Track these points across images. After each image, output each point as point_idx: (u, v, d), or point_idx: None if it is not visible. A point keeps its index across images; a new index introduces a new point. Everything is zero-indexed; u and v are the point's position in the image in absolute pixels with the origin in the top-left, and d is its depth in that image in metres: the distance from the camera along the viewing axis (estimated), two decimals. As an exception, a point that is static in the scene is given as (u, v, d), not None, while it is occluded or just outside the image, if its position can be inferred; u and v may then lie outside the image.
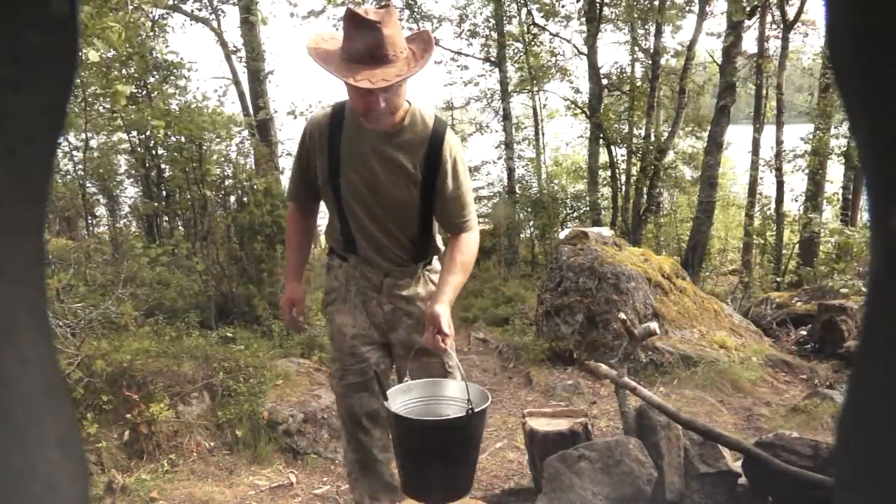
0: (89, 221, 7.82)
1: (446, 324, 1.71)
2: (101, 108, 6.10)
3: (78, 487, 0.30)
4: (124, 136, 6.76)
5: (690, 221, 9.55)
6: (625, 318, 2.76)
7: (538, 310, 5.47)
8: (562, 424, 2.70)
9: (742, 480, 2.37)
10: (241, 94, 9.09)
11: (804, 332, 5.63)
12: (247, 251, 5.16)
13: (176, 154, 5.20)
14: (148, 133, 5.62)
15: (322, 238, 2.23)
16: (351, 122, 1.75)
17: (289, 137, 8.70)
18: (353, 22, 1.56)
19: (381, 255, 1.92)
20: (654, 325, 2.74)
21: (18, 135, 0.27)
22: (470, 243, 1.86)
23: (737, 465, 2.40)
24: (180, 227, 6.41)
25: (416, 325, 1.98)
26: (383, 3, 1.59)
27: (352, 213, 1.85)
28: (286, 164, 9.38)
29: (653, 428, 2.49)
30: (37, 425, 0.28)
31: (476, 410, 1.58)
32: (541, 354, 4.91)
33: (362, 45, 1.55)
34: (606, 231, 5.78)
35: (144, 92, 6.29)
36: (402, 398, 1.75)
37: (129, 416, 3.04)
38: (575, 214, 10.48)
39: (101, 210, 8.43)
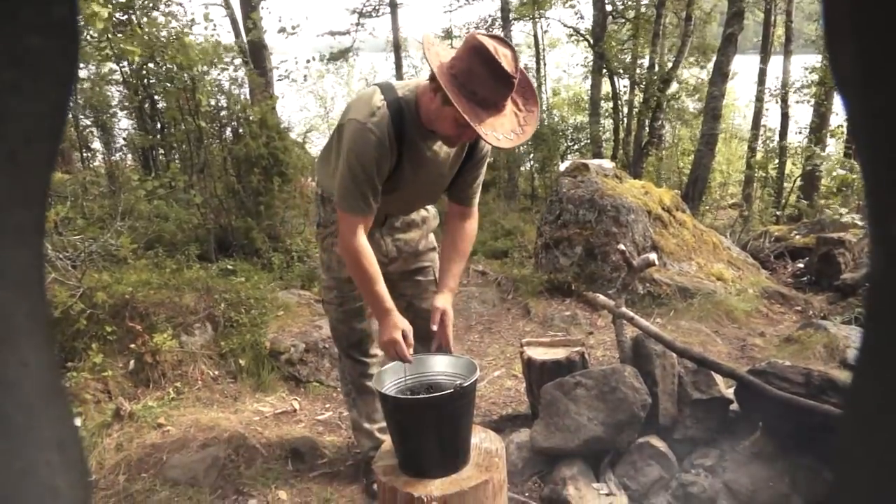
0: (84, 155, 7.67)
1: (451, 316, 1.85)
2: (88, 35, 5.85)
3: (78, 491, 0.30)
4: (115, 66, 6.52)
5: (692, 154, 9.41)
6: (624, 249, 2.73)
7: (537, 242, 5.46)
8: (559, 353, 2.71)
9: (734, 407, 2.40)
10: (234, 21, 8.73)
11: (801, 265, 5.63)
12: (244, 184, 5.10)
13: (167, 84, 5.03)
14: (135, 63, 5.41)
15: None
16: (412, 127, 1.74)
17: (282, 59, 8.43)
18: (489, 68, 1.51)
19: (395, 212, 2.05)
20: (652, 256, 2.72)
21: (19, 138, 0.27)
22: (473, 232, 2.00)
23: (729, 392, 2.43)
24: (177, 160, 6.31)
25: (416, 254, 2.15)
26: (507, 41, 1.55)
27: (389, 200, 1.89)
28: (282, 90, 9.11)
29: (648, 357, 2.50)
30: (36, 429, 0.29)
31: (465, 385, 1.57)
32: (539, 286, 4.94)
33: (491, 95, 1.53)
34: (607, 163, 5.69)
35: (130, 17, 6.00)
36: (393, 378, 1.75)
37: (133, 346, 3.06)
38: (576, 147, 10.30)
39: (95, 143, 8.25)
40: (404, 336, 1.74)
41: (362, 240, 1.76)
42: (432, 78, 1.60)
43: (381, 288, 1.78)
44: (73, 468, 0.30)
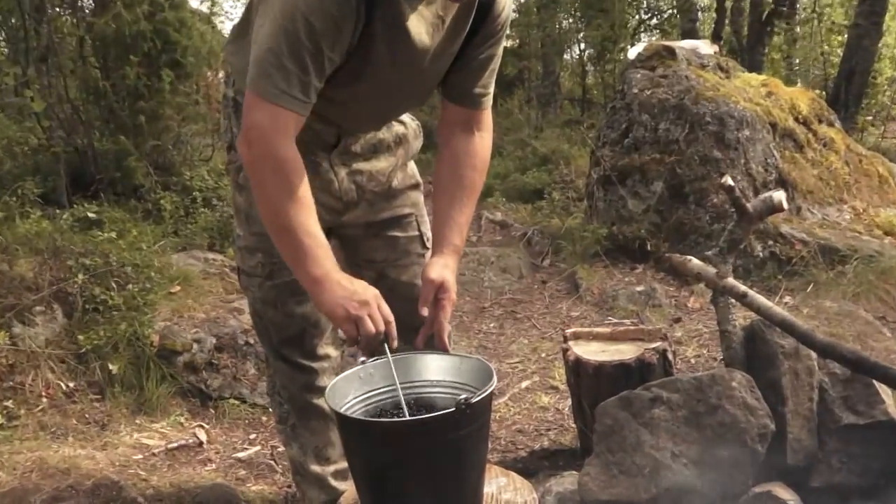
0: None
1: (453, 293, 1.89)
2: None
3: None
4: None
5: (845, 33, 9.31)
6: (732, 185, 2.70)
7: (591, 176, 5.45)
8: (626, 352, 2.72)
9: (909, 436, 2.42)
10: None
11: None
12: (114, 81, 5.04)
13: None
14: None
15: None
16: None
17: None
18: None
19: (355, 127, 2.04)
20: (779, 197, 2.70)
21: None
22: (486, 154, 2.03)
23: (901, 413, 2.45)
24: (2, 44, 6.26)
25: (388, 195, 2.19)
26: None
27: (346, 102, 1.87)
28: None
29: (771, 357, 2.51)
30: None
31: (473, 400, 1.54)
32: (594, 245, 4.96)
33: None
34: (705, 47, 5.66)
35: None
36: (359, 389, 1.74)
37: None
38: (654, 21, 10.22)
39: None
40: (378, 305, 1.72)
41: (285, 149, 1.70)
42: None
43: (315, 239, 1.74)
44: None
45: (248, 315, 3.49)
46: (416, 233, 2.23)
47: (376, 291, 1.75)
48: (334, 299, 1.71)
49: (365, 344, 1.72)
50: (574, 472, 2.56)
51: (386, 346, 1.73)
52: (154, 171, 4.95)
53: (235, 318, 3.70)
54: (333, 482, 2.35)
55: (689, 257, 3.01)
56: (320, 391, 2.23)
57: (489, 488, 1.75)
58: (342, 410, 1.64)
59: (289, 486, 2.80)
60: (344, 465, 2.26)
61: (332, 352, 2.28)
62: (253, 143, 1.70)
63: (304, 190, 1.72)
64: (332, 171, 2.05)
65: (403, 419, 1.66)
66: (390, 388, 1.75)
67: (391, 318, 1.74)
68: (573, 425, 3.05)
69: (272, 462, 3.04)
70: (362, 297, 1.70)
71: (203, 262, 4.28)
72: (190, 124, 5.28)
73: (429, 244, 2.22)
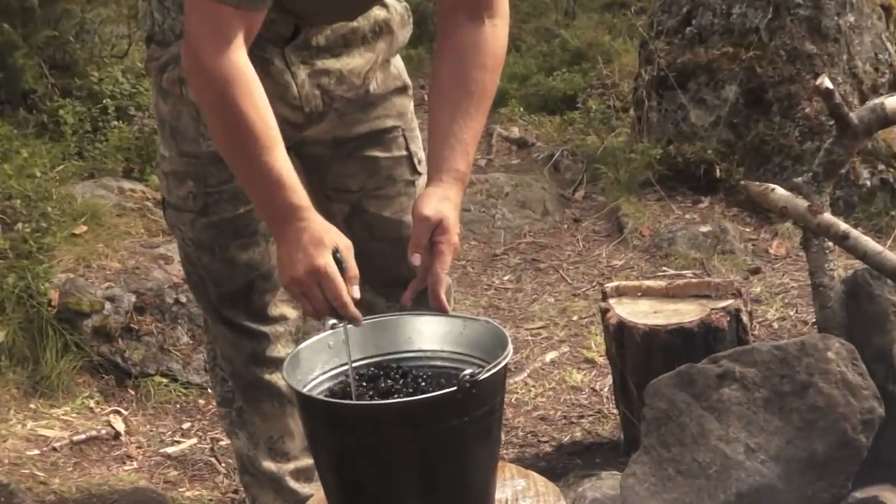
0: None
1: (455, 235, 1.90)
2: None
3: None
4: None
5: None
6: (831, 88, 2.67)
7: (641, 78, 5.42)
8: (686, 313, 2.75)
9: None
10: None
11: None
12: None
13: None
14: None
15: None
16: None
17: None
18: None
19: (318, 14, 2.06)
20: (892, 105, 2.68)
21: None
22: (499, 50, 2.04)
23: None
24: None
25: (364, 104, 2.22)
26: None
27: None
28: None
29: (880, 318, 2.52)
30: None
31: (481, 377, 1.53)
32: (644, 171, 4.95)
33: None
34: None
35: None
36: (326, 362, 1.77)
37: None
38: None
39: None
40: (338, 262, 1.73)
41: (236, 56, 1.76)
42: None
43: (278, 162, 1.79)
44: None
45: (178, 264, 3.48)
46: (404, 153, 2.25)
47: (344, 243, 1.78)
48: (297, 247, 1.75)
49: (312, 313, 1.79)
50: (615, 473, 2.60)
51: (349, 304, 1.76)
52: (50, 72, 4.90)
53: (162, 269, 3.69)
54: (293, 484, 2.38)
55: (771, 186, 2.99)
56: (275, 364, 2.27)
57: (502, 493, 1.76)
58: (305, 389, 1.66)
59: (235, 491, 2.82)
60: (307, 461, 2.30)
61: (289, 312, 2.31)
62: (194, 53, 1.77)
63: (263, 105, 1.79)
64: (287, 72, 2.07)
65: (387, 402, 1.66)
66: (370, 359, 1.79)
67: (356, 274, 1.77)
68: (614, 411, 3.07)
69: (213, 459, 3.06)
70: (324, 250, 1.74)
71: (117, 193, 4.26)
72: (98, 7, 5.20)
73: (421, 168, 2.24)
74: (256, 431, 2.37)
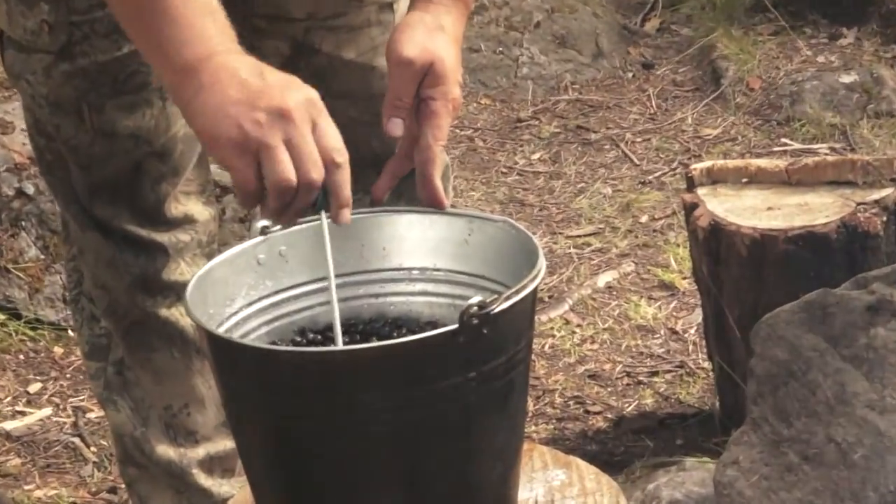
0: None
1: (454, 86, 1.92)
2: None
3: None
4: None
5: None
6: None
7: None
8: (817, 209, 2.77)
9: None
10: None
11: None
12: None
13: None
14: None
15: None
16: None
17: None
18: None
19: None
20: None
21: None
22: None
23: None
24: None
25: None
26: None
27: None
28: None
29: None
30: None
31: (496, 309, 1.52)
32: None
33: None
34: None
35: None
36: (254, 287, 1.78)
37: None
38: None
39: None
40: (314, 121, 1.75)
41: None
42: None
43: None
44: None
45: (23, 135, 3.49)
46: None
47: (312, 94, 1.76)
48: (221, 104, 1.73)
49: (276, 202, 1.73)
50: (707, 460, 2.63)
51: (324, 213, 1.75)
52: None
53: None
54: (204, 480, 2.41)
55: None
56: (175, 292, 2.29)
57: (529, 492, 1.79)
58: (221, 330, 1.67)
59: (112, 490, 2.87)
60: (224, 444, 2.35)
61: (198, 211, 2.35)
62: None
63: None
64: None
65: (347, 347, 1.67)
66: (320, 283, 1.79)
67: (338, 152, 1.73)
68: (704, 364, 3.12)
69: (76, 440, 3.10)
70: (277, 102, 1.71)
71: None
72: None
73: None
74: (146, 398, 2.39)
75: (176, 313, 2.27)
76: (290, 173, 1.66)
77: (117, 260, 2.30)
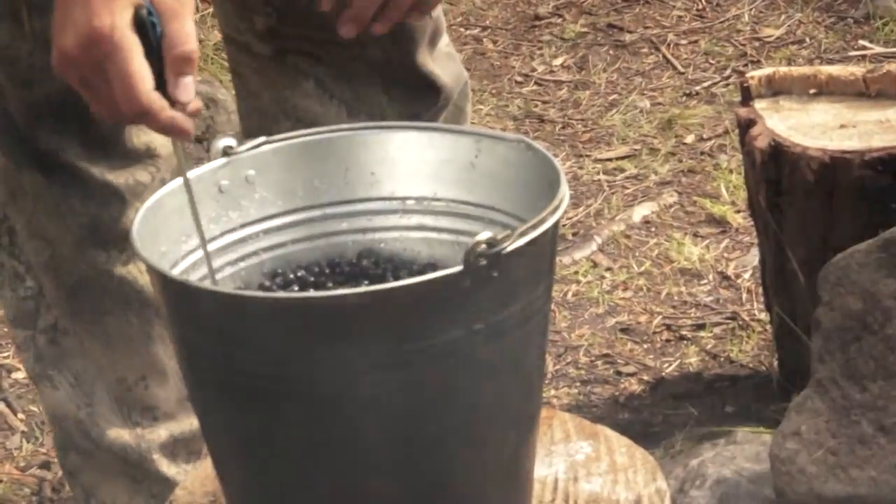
0: None
1: None
2: None
3: None
4: None
5: None
6: None
7: None
8: None
9: None
10: None
11: None
12: None
13: None
14: None
15: None
16: None
17: None
18: None
19: None
20: None
21: None
22: None
23: None
24: None
25: None
26: None
27: None
28: None
29: None
30: None
31: (509, 248, 1.52)
32: None
33: None
34: None
35: None
36: (217, 222, 1.79)
37: None
38: None
39: None
40: (149, 25, 1.71)
41: None
42: None
43: None
44: None
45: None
46: None
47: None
48: (67, 10, 1.79)
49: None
50: (762, 431, 2.63)
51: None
52: None
53: None
54: (167, 467, 2.44)
55: None
56: (120, 240, 2.30)
57: (548, 469, 1.82)
58: (176, 272, 1.69)
59: (42, 465, 2.89)
60: (190, 423, 2.38)
61: (161, 143, 2.33)
62: None
63: None
64: None
65: (326, 293, 1.69)
66: (296, 215, 1.81)
67: (139, 86, 1.69)
68: (761, 316, 3.16)
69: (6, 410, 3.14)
70: (92, 23, 1.71)
71: None
72: None
73: None
74: (91, 370, 2.39)
75: (134, 271, 2.29)
76: (110, 108, 1.76)
77: (62, 206, 2.30)
